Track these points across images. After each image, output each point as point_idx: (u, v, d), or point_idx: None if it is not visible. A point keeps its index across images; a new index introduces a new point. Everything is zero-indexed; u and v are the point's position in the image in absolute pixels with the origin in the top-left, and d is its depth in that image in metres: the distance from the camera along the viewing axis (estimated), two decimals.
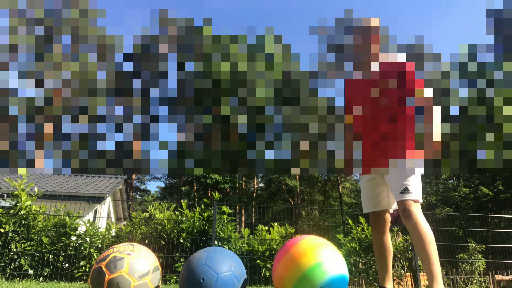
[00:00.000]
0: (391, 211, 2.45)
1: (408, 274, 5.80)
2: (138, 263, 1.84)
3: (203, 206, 5.65)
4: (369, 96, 2.27)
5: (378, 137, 2.23)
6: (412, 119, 2.20)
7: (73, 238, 5.03)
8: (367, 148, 2.26)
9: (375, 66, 2.35)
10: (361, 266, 5.73)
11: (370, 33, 2.31)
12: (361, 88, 2.34)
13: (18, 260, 4.69)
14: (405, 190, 2.10)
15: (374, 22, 2.34)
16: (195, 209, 5.55)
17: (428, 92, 2.21)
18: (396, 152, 2.19)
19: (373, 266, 5.63)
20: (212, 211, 5.36)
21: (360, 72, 2.38)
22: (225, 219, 5.45)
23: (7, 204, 5.53)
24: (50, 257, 4.82)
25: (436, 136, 2.18)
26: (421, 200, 2.16)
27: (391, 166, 2.18)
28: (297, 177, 32.39)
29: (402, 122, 2.21)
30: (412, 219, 2.04)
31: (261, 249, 5.45)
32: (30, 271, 4.66)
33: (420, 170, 2.20)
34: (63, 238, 4.92)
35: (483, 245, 8.02)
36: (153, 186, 60.34)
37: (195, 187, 34.79)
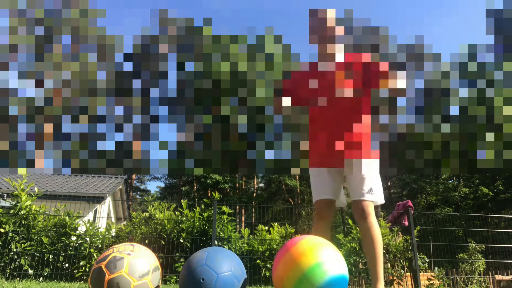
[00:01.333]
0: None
1: (408, 274, 5.80)
2: (138, 263, 1.84)
3: (203, 206, 5.65)
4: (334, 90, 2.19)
5: (349, 130, 2.19)
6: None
7: (73, 238, 5.02)
8: (334, 142, 2.20)
9: (339, 58, 2.28)
10: (361, 266, 5.73)
11: (326, 33, 2.25)
12: (328, 80, 2.24)
13: (18, 260, 4.68)
14: (371, 191, 2.15)
15: (330, 22, 2.26)
16: (195, 209, 5.54)
17: (401, 84, 2.11)
18: (365, 152, 2.18)
19: None
20: (212, 211, 5.36)
21: (326, 64, 2.30)
22: (225, 219, 5.45)
23: (7, 204, 5.53)
24: (50, 257, 4.82)
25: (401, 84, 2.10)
26: (380, 202, 2.19)
27: (364, 165, 2.18)
28: (297, 177, 32.36)
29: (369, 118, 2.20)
30: (369, 221, 2.13)
31: (261, 249, 5.45)
32: (30, 271, 4.66)
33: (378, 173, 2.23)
34: (63, 238, 4.92)
35: (483, 245, 8.02)
36: (153, 186, 60.37)
37: (195, 187, 34.79)
